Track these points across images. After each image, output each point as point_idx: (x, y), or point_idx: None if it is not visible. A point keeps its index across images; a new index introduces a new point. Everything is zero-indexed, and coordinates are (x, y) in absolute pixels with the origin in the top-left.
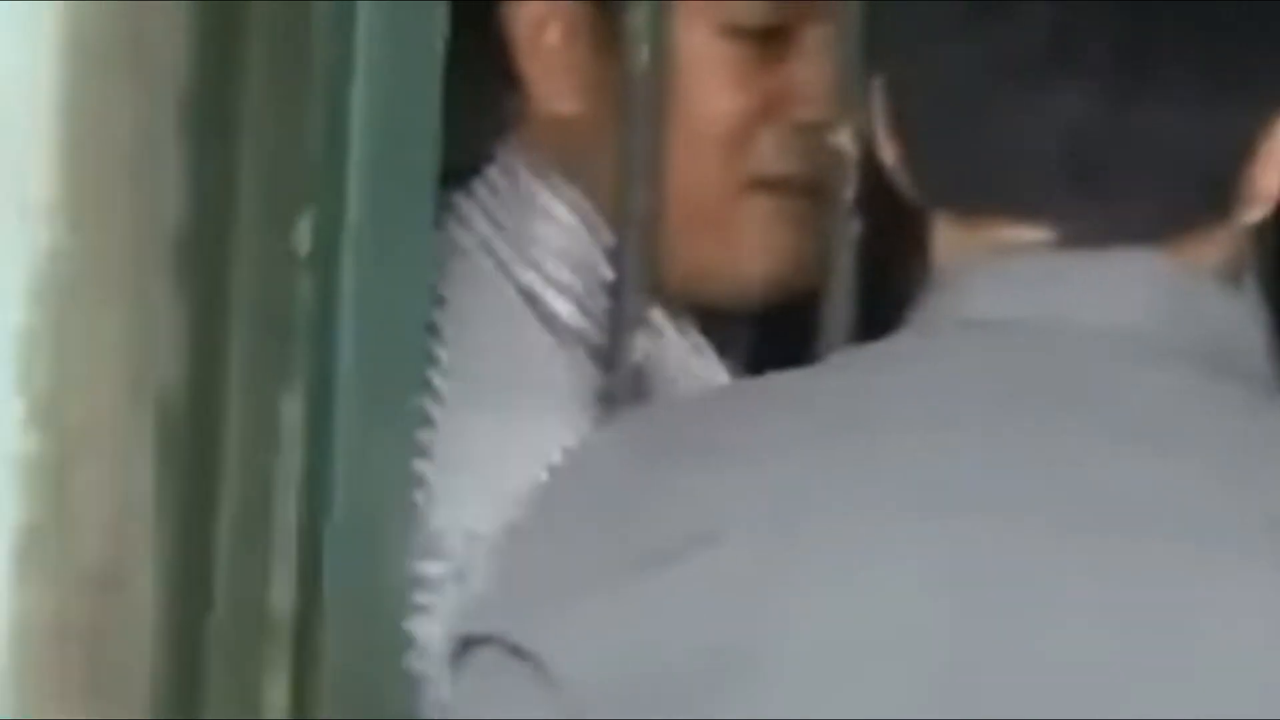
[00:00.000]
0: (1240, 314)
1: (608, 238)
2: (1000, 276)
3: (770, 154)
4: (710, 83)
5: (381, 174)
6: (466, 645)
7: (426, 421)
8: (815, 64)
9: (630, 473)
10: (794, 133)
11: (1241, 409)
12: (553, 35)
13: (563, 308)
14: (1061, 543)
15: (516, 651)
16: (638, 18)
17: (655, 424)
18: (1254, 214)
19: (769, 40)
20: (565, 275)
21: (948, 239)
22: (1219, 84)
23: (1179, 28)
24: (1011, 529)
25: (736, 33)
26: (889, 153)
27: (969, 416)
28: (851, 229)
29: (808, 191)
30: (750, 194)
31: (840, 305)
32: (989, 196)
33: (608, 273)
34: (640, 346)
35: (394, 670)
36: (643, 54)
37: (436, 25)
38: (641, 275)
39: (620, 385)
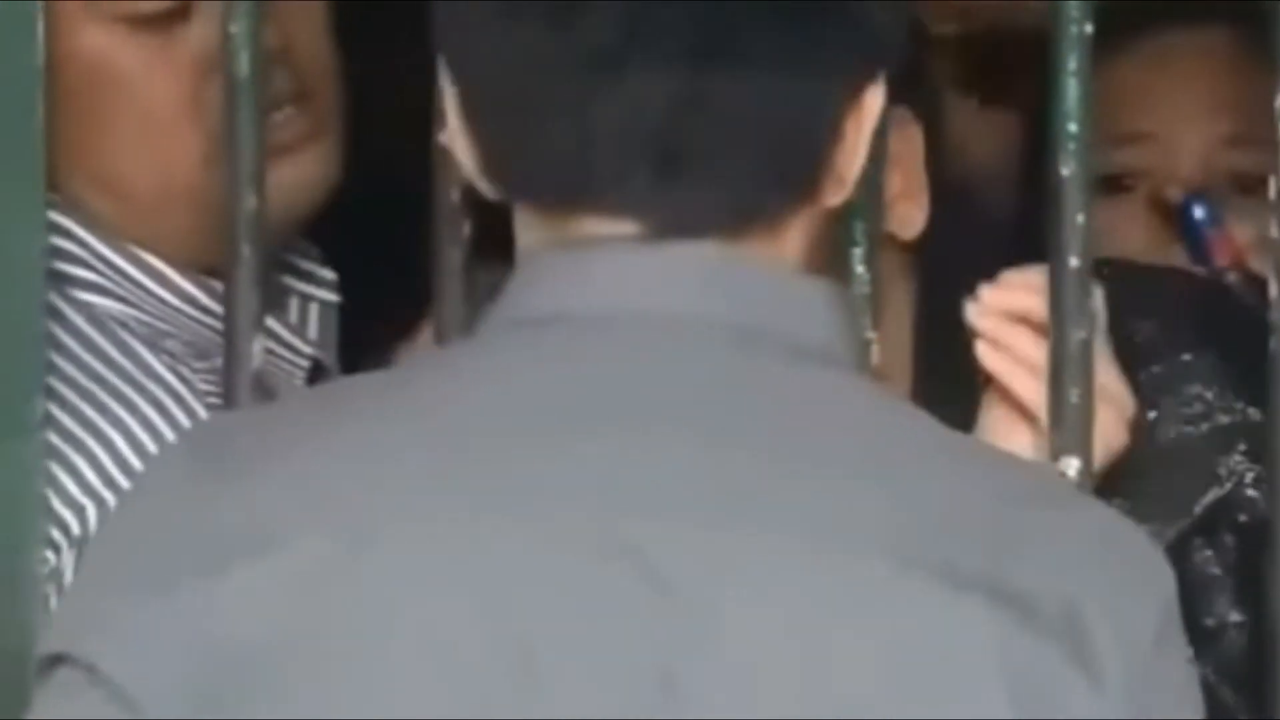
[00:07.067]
0: (814, 301)
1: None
2: (569, 272)
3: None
4: (141, 73)
5: None
6: (47, 664)
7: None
8: (214, 27)
9: (190, 480)
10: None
11: (820, 398)
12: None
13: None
14: (644, 544)
15: (90, 670)
16: (238, 26)
17: (218, 432)
18: (836, 198)
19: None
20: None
21: (531, 236)
22: (800, 58)
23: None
24: (597, 532)
25: (144, 20)
26: (462, 148)
27: (538, 418)
28: (463, 229)
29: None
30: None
31: (452, 304)
32: (574, 189)
33: (129, 265)
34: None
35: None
36: (242, 61)
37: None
38: (253, 281)
39: (238, 397)
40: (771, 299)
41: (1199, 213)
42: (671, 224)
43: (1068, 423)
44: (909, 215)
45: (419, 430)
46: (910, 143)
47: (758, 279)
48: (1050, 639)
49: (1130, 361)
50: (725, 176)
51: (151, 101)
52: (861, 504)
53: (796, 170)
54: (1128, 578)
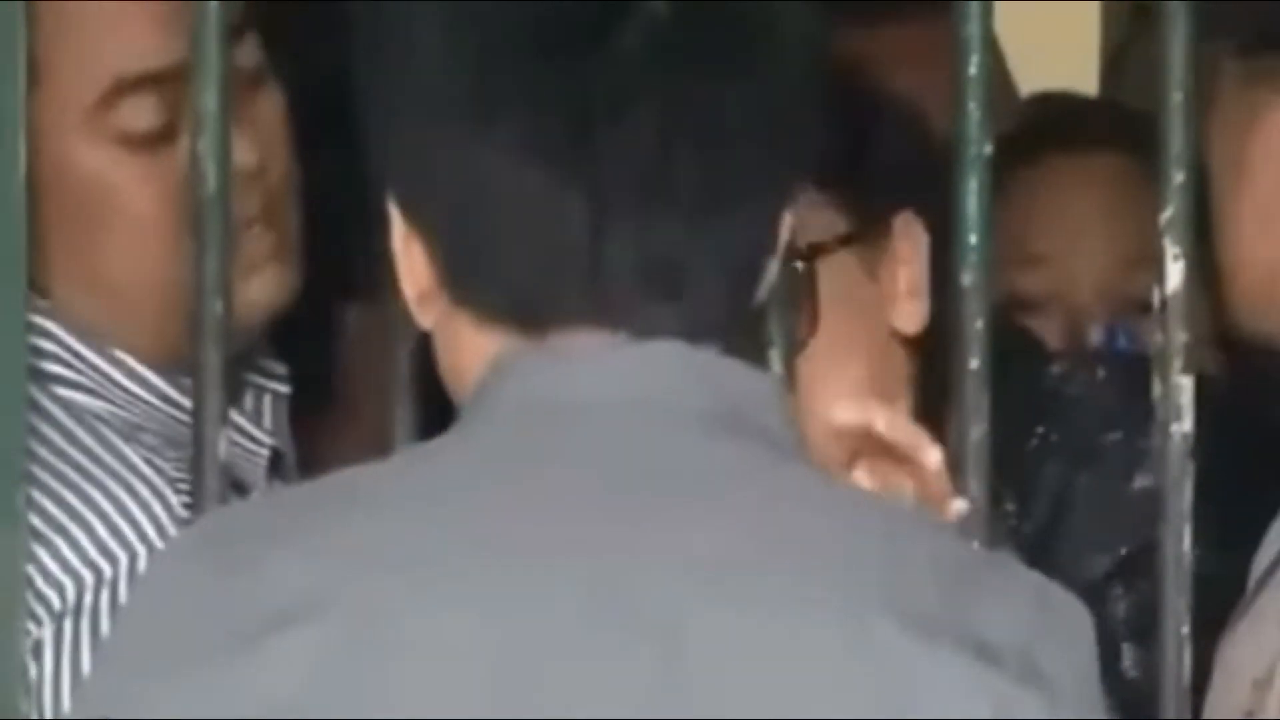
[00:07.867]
0: (762, 387)
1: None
2: (553, 367)
3: None
4: (131, 187)
5: None
6: None
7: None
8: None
9: (207, 561)
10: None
11: (769, 470)
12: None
13: (84, 400)
14: (622, 620)
15: None
16: (204, 143)
17: (228, 519)
18: (762, 295)
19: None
20: (72, 374)
21: (493, 339)
22: (774, 196)
23: (754, 153)
24: (586, 610)
25: (135, 139)
26: (410, 267)
27: (545, 502)
28: (411, 331)
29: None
30: None
31: (406, 408)
32: (575, 312)
33: (106, 364)
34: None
35: None
36: (210, 179)
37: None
38: (218, 382)
39: (206, 485)
40: (747, 392)
41: (1122, 341)
42: (655, 332)
43: (969, 517)
44: (913, 312)
45: (429, 514)
46: (916, 244)
47: (732, 372)
48: (1018, 682)
49: (1090, 423)
50: (715, 294)
51: (140, 213)
52: (850, 565)
53: (758, 279)
54: (1066, 629)
